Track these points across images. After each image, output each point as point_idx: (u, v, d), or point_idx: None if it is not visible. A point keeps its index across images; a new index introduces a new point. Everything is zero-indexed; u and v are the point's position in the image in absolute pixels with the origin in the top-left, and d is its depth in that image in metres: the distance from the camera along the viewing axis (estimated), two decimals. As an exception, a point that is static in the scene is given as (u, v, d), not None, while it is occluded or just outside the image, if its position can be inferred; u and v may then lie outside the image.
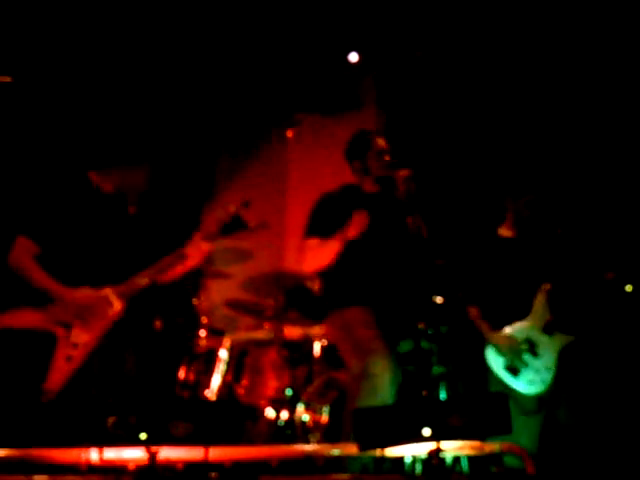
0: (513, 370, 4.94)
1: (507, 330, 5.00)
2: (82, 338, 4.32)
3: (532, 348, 4.97)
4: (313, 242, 4.84)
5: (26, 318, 4.36)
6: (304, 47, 6.68)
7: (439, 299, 5.30)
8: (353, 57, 6.72)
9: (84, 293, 4.34)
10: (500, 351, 4.96)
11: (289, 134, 6.71)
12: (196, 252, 4.47)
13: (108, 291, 4.36)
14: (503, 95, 6.44)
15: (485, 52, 6.41)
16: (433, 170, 6.14)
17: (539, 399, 4.92)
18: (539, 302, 5.02)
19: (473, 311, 5.05)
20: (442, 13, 6.33)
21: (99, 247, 4.43)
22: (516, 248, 5.14)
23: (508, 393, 4.80)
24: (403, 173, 4.76)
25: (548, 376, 4.92)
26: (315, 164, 7.08)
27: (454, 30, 6.38)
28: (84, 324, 4.33)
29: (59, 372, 4.27)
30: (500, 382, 4.96)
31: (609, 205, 6.08)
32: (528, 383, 4.92)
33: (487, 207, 5.47)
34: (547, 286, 5.03)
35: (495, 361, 4.98)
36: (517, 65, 6.35)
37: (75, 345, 4.31)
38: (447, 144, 6.45)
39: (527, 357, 4.96)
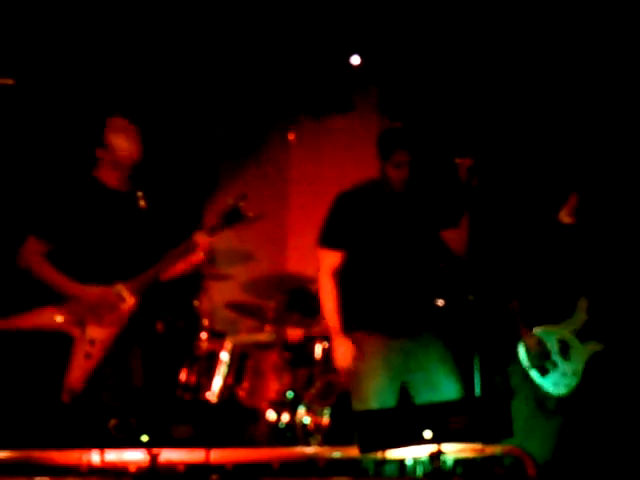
0: (541, 369, 4.94)
1: (542, 329, 4.98)
2: (98, 334, 4.33)
3: (564, 350, 4.96)
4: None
5: (39, 319, 4.36)
6: (306, 49, 6.68)
7: (440, 302, 5.29)
8: (355, 60, 6.73)
9: (96, 290, 4.35)
10: (528, 352, 4.96)
11: (291, 137, 6.73)
12: (198, 247, 4.49)
13: (120, 287, 4.37)
14: (507, 93, 6.40)
15: (489, 51, 6.39)
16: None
17: (560, 400, 4.92)
18: (581, 306, 5.01)
19: (514, 305, 5.00)
20: (443, 15, 6.32)
21: (109, 243, 4.44)
22: (573, 237, 5.06)
23: (529, 389, 4.83)
24: (466, 162, 4.55)
25: (573, 381, 4.92)
26: (317, 166, 7.09)
27: (456, 32, 6.37)
28: (98, 320, 4.34)
29: (79, 370, 4.27)
30: (523, 377, 4.94)
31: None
32: (553, 384, 4.92)
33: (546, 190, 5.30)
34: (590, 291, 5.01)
35: (524, 358, 4.97)
36: (524, 62, 6.31)
37: (92, 342, 4.32)
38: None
39: (557, 359, 4.95)
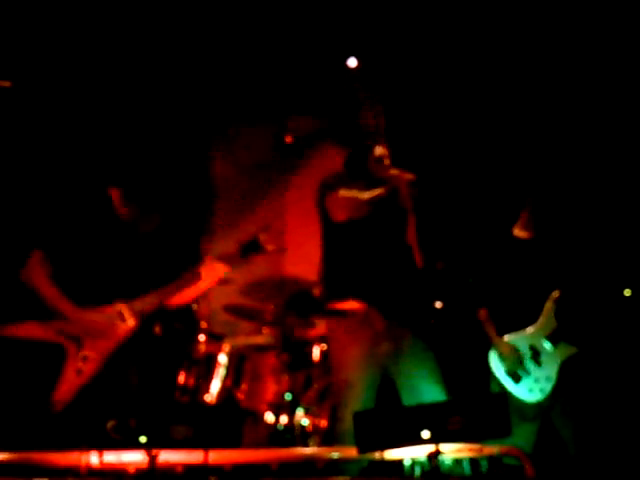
0: (515, 376, 4.93)
1: (513, 336, 4.99)
2: (92, 352, 4.33)
3: (536, 356, 4.96)
4: None
5: (36, 330, 4.37)
6: (302, 54, 6.69)
7: (438, 304, 5.28)
8: (352, 62, 6.71)
9: (93, 314, 4.35)
10: (502, 358, 4.96)
11: (288, 140, 6.73)
12: (210, 273, 4.47)
13: (122, 307, 4.36)
14: (512, 96, 6.42)
15: (488, 54, 6.41)
16: (440, 173, 6.07)
17: (538, 407, 4.93)
18: (547, 310, 5.00)
19: (482, 313, 5.03)
20: (442, 17, 6.33)
21: (113, 264, 4.44)
22: (530, 250, 5.11)
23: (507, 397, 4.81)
24: (407, 177, 4.61)
25: (548, 386, 4.92)
26: (314, 169, 7.09)
27: (454, 34, 6.38)
28: (95, 340, 4.34)
29: (68, 384, 4.29)
30: (500, 386, 4.96)
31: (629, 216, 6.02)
32: (527, 391, 4.92)
33: (501, 207, 5.40)
34: (556, 294, 5.01)
35: (497, 365, 4.98)
36: (524, 65, 6.34)
37: (85, 358, 4.32)
38: (453, 146, 6.42)
39: (529, 365, 4.95)
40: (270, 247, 4.52)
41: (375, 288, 4.63)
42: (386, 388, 4.68)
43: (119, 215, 4.51)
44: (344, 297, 4.67)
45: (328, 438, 5.38)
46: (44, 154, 5.85)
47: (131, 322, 4.38)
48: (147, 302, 4.42)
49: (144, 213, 4.56)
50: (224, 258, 4.51)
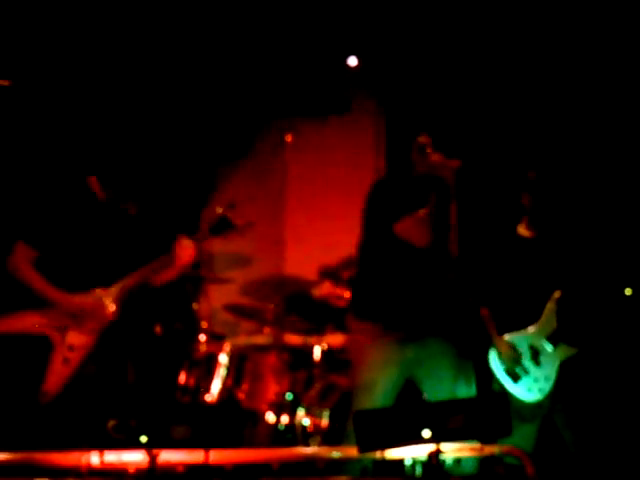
0: (513, 376, 4.93)
1: (513, 336, 4.98)
2: (78, 340, 4.34)
3: (535, 356, 4.95)
4: None
5: (20, 323, 4.37)
6: (302, 50, 6.69)
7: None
8: (352, 61, 6.72)
9: (80, 297, 4.36)
10: (501, 357, 4.96)
11: (288, 139, 6.72)
12: (183, 253, 4.48)
13: (101, 293, 4.37)
14: (513, 91, 6.41)
15: (489, 50, 6.40)
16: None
17: (536, 407, 4.92)
18: (548, 310, 5.00)
19: (484, 312, 5.02)
20: (442, 15, 6.33)
21: (98, 250, 4.45)
22: (533, 249, 5.10)
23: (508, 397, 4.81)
24: (452, 163, 4.53)
25: (547, 386, 4.91)
26: (314, 167, 7.09)
27: (455, 31, 6.38)
28: (79, 326, 4.34)
29: (57, 375, 4.29)
30: (500, 385, 4.96)
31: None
32: (526, 390, 4.91)
33: (505, 205, 5.38)
34: (557, 294, 5.00)
35: (496, 364, 4.98)
36: (524, 60, 6.33)
37: (71, 347, 4.33)
38: (454, 144, 6.40)
39: (529, 365, 4.95)
40: (240, 222, 4.53)
41: (406, 294, 4.63)
42: (408, 393, 4.69)
43: (99, 200, 4.52)
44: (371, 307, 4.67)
45: (329, 438, 5.38)
46: (26, 145, 5.84)
47: (111, 307, 4.38)
48: (125, 286, 4.43)
49: (124, 198, 4.57)
50: (196, 237, 4.51)
